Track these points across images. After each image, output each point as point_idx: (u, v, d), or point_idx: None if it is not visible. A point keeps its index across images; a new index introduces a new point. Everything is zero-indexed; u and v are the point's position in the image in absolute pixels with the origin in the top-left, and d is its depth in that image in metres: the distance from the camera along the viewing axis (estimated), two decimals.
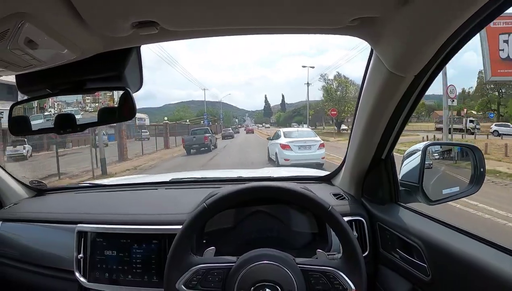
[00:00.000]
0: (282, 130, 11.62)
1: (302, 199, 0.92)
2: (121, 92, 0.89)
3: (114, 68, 0.84)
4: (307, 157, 9.10)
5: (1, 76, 0.88)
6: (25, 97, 0.96)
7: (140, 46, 0.85)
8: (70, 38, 0.69)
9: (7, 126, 0.97)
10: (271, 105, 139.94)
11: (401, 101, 0.93)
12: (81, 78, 0.87)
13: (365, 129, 1.07)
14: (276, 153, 10.07)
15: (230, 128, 38.62)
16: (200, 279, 0.87)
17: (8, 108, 0.97)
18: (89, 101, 1.00)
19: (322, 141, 10.09)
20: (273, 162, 10.14)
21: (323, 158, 9.44)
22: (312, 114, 43.67)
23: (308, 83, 37.74)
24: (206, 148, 16.23)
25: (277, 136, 11.19)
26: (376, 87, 0.93)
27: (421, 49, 0.74)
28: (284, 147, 9.64)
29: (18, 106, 0.98)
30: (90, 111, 0.99)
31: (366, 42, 0.83)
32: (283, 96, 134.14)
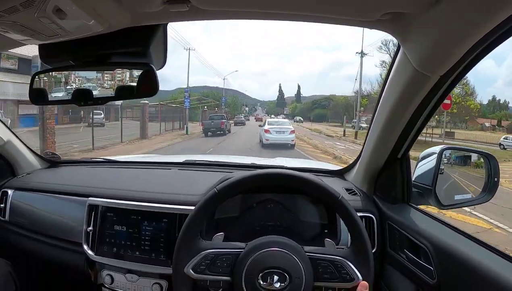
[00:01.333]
0: (267, 120, 17.63)
1: (312, 186, 0.92)
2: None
3: (140, 44, 0.83)
4: (281, 139, 13.13)
5: (26, 44, 0.88)
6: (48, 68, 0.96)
7: (167, 24, 0.84)
8: (99, 10, 0.69)
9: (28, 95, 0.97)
10: (285, 97, 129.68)
11: (424, 101, 0.92)
12: (105, 52, 0.86)
13: (384, 127, 1.05)
14: (261, 135, 14.08)
15: (242, 116, 40.17)
16: (208, 264, 0.87)
17: None
18: (107, 78, 1.00)
19: (293, 129, 14.30)
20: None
21: (292, 141, 13.46)
22: (366, 105, 31.76)
23: (362, 52, 27.44)
24: (221, 132, 18.93)
25: (264, 123, 15.64)
26: (400, 84, 0.92)
27: (450, 49, 0.72)
28: (266, 131, 13.62)
29: (40, 75, 0.98)
30: (106, 88, 1.00)
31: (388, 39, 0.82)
32: (299, 86, 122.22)
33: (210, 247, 0.89)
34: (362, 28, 0.82)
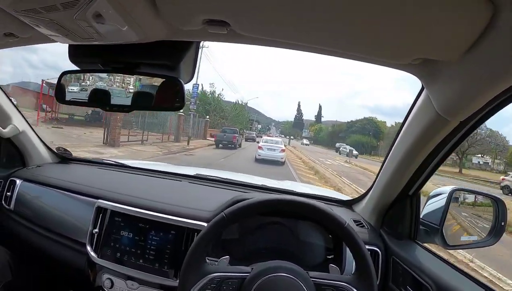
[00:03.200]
0: (263, 138, 19.95)
1: (318, 212, 0.93)
2: None
3: (171, 58, 0.85)
4: (271, 155, 14.26)
5: (56, 42, 0.89)
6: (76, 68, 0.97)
7: (200, 42, 0.86)
8: (138, 20, 0.69)
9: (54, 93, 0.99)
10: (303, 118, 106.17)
11: (441, 143, 0.93)
12: (135, 61, 0.88)
13: (399, 163, 1.06)
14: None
15: (254, 133, 39.09)
16: (214, 288, 0.87)
17: None
18: (118, 80, 1.00)
19: (283, 148, 15.43)
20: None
21: (282, 158, 14.48)
22: None
23: None
24: (232, 145, 19.25)
25: (260, 141, 17.42)
26: (419, 125, 0.93)
27: (474, 97, 0.73)
28: (259, 147, 15.00)
29: (68, 75, 1.00)
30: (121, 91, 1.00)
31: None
32: (320, 107, 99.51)
33: (216, 270, 0.89)
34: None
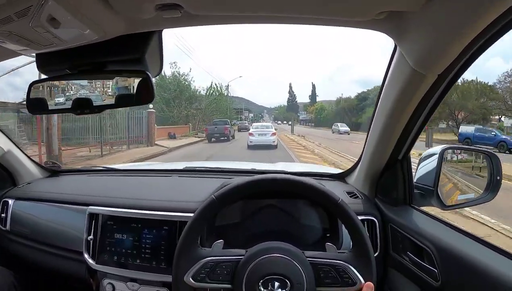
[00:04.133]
0: (253, 124, 20.52)
1: (311, 190, 0.91)
2: None
3: (135, 51, 0.83)
4: (263, 140, 14.26)
5: (22, 54, 0.88)
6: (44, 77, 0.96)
7: (162, 30, 0.84)
8: (93, 18, 0.69)
9: (26, 105, 0.98)
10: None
11: (422, 101, 0.91)
12: (101, 60, 0.87)
13: (383, 128, 1.05)
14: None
15: (247, 122, 37.62)
16: (208, 272, 0.86)
17: None
18: (99, 85, 0.99)
19: (274, 131, 15.43)
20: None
21: (274, 142, 14.42)
22: None
23: None
24: (225, 138, 18.46)
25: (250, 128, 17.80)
26: (397, 85, 0.91)
27: (446, 47, 0.72)
28: (250, 134, 15.12)
29: (36, 85, 0.98)
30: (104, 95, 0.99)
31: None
32: (313, 86, 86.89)
33: (209, 255, 0.88)
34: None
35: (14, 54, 0.92)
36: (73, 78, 0.96)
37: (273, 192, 1.05)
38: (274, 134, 15.04)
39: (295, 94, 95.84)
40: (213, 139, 18.27)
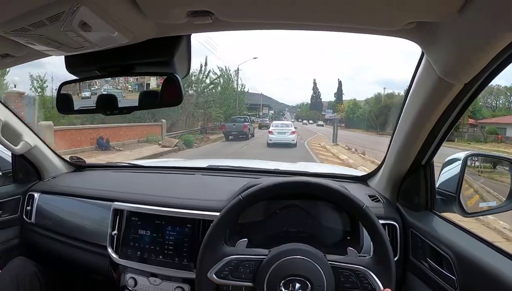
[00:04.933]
0: (273, 122, 20.01)
1: (336, 195, 0.92)
2: None
3: (164, 54, 0.85)
4: (282, 139, 14.54)
5: (52, 55, 0.91)
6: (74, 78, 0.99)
7: (191, 34, 0.86)
8: (123, 23, 0.70)
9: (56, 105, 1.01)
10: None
11: (448, 108, 0.91)
12: (130, 62, 0.89)
13: (408, 133, 1.04)
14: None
15: (267, 119, 36.34)
16: (231, 270, 0.88)
17: None
18: (121, 81, 1.01)
19: (294, 130, 15.84)
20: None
21: (293, 140, 14.75)
22: None
23: None
24: (244, 136, 17.54)
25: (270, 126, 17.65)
26: (423, 92, 0.90)
27: (475, 57, 0.71)
28: (270, 132, 15.44)
29: (66, 85, 1.01)
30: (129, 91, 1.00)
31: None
32: (339, 82, 75.65)
33: (233, 253, 0.90)
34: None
35: (42, 55, 0.94)
36: (101, 78, 0.99)
37: (296, 193, 1.06)
38: (293, 133, 15.32)
39: (319, 91, 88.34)
40: (230, 137, 17.44)
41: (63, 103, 1.01)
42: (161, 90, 0.91)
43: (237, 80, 24.73)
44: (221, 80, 22.54)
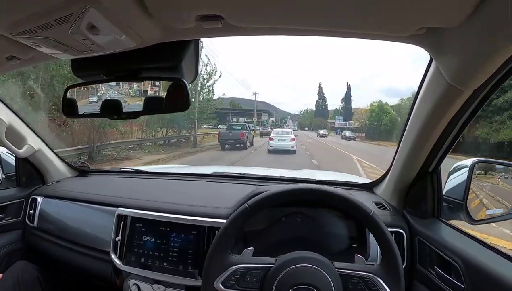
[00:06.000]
0: (274, 129, 20.75)
1: (342, 202, 0.92)
2: None
3: (172, 59, 0.84)
4: (282, 145, 14.88)
5: (59, 58, 0.90)
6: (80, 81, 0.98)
7: (199, 39, 0.85)
8: (132, 26, 0.70)
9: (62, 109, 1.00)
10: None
11: (456, 115, 0.90)
12: (137, 67, 0.88)
13: (416, 140, 1.03)
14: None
15: (269, 127, 34.97)
16: (238, 279, 0.87)
17: None
18: (125, 87, 1.01)
19: (293, 137, 16.03)
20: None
21: (293, 147, 14.90)
22: None
23: None
24: (241, 145, 16.15)
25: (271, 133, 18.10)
26: (432, 98, 0.90)
27: (484, 63, 0.70)
28: (270, 139, 15.81)
29: (72, 89, 1.01)
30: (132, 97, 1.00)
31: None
32: (348, 87, 68.56)
33: (240, 262, 0.89)
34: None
35: (49, 58, 0.94)
36: (108, 82, 0.98)
37: (301, 200, 1.06)
38: (293, 139, 15.60)
39: (325, 97, 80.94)
40: (227, 146, 15.77)
41: (69, 107, 1.01)
42: (167, 95, 0.91)
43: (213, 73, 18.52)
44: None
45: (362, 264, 0.90)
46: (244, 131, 16.61)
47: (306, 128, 64.74)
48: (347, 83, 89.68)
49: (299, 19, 0.69)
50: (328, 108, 76.11)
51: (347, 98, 66.32)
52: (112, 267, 1.27)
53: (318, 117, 70.95)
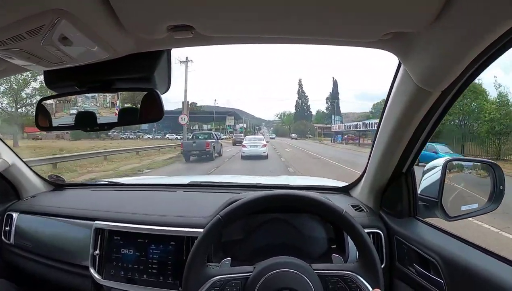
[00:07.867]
0: (246, 137, 21.33)
1: (314, 204, 0.93)
2: None
3: (144, 70, 0.85)
4: (255, 151, 15.19)
5: (30, 70, 0.89)
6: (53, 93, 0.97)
7: (171, 49, 0.86)
8: (104, 37, 0.70)
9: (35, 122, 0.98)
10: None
11: (426, 115, 0.93)
12: (110, 78, 0.88)
13: (388, 142, 1.06)
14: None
15: (242, 135, 33.60)
16: None
17: None
18: (101, 99, 1.02)
19: (265, 143, 16.71)
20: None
21: (264, 153, 15.21)
22: None
23: None
24: (207, 156, 14.17)
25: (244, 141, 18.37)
26: (402, 101, 0.93)
27: (450, 65, 0.74)
28: (243, 146, 16.10)
29: (45, 101, 0.99)
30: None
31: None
32: (335, 82, 59.16)
33: (218, 273, 0.88)
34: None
35: (22, 70, 0.93)
36: (81, 94, 0.98)
37: (277, 206, 1.06)
38: (264, 146, 16.18)
39: (306, 96, 65.33)
40: (192, 158, 14.12)
41: (42, 119, 1.00)
42: (141, 107, 0.91)
43: None
44: None
45: (340, 263, 0.92)
46: (209, 141, 14.80)
47: (294, 135, 49.90)
48: (333, 78, 71.67)
49: (267, 28, 0.71)
50: (311, 110, 64.63)
51: (333, 95, 56.60)
52: (92, 282, 1.24)
53: (300, 120, 58.64)
